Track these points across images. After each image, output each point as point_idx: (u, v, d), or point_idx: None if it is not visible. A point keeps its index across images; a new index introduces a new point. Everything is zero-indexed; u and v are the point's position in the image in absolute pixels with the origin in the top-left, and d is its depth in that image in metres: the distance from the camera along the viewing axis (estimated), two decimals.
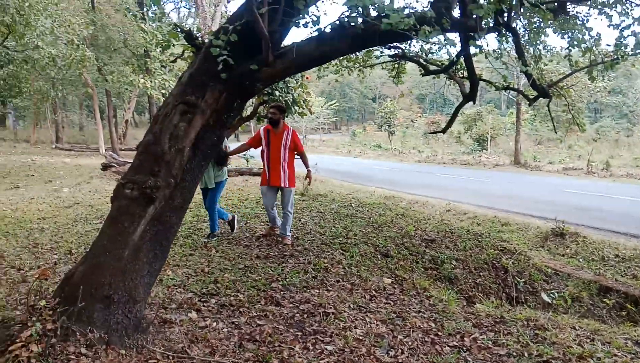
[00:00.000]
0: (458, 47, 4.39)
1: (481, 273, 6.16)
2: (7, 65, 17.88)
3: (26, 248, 5.51)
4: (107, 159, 15.14)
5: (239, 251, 5.67)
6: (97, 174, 14.31)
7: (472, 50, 4.66)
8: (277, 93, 11.18)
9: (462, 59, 5.46)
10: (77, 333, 2.78)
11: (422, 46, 6.41)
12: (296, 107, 11.77)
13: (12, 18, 12.17)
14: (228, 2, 17.97)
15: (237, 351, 3.20)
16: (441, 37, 3.40)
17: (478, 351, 3.45)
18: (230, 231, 6.57)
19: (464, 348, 3.50)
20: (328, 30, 3.28)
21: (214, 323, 3.61)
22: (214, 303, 4.05)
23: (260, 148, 6.21)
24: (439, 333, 3.77)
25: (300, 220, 7.55)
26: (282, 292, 4.43)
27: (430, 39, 3.23)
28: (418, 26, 2.92)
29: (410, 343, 3.54)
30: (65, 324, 2.77)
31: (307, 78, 12.57)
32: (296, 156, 6.23)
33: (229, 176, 13.66)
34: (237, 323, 3.68)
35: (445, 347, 3.52)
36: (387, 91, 70.15)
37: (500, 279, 6.17)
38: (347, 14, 3.22)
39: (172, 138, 3.05)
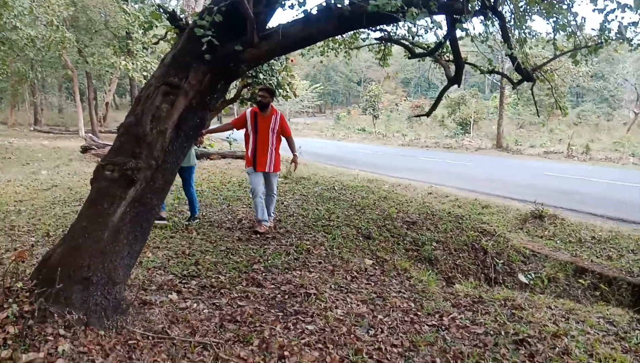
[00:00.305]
0: (444, 30, 4.41)
1: (461, 255, 6.26)
2: None
3: (2, 231, 5.43)
4: (87, 142, 14.91)
5: (220, 234, 5.67)
6: (76, 157, 14.11)
7: (458, 33, 4.68)
8: (261, 76, 11.11)
9: (447, 43, 5.48)
10: (55, 315, 2.76)
11: (409, 28, 6.39)
12: (280, 90, 11.73)
13: None
14: None
15: (218, 331, 3.22)
16: (428, 19, 3.40)
17: (456, 330, 3.52)
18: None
19: (443, 327, 3.57)
20: (314, 12, 3.26)
21: (195, 305, 3.62)
22: (195, 285, 4.05)
23: (243, 131, 6.01)
24: (419, 313, 3.84)
25: (283, 203, 7.56)
26: (263, 274, 4.45)
27: (417, 22, 3.23)
28: (405, 8, 2.91)
29: (390, 322, 3.60)
30: (42, 306, 2.75)
31: (292, 61, 12.50)
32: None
33: (211, 159, 13.63)
34: (218, 304, 3.70)
35: (424, 326, 3.59)
36: (372, 74, 69.99)
37: (479, 260, 6.27)
38: None
39: (154, 119, 3.02)
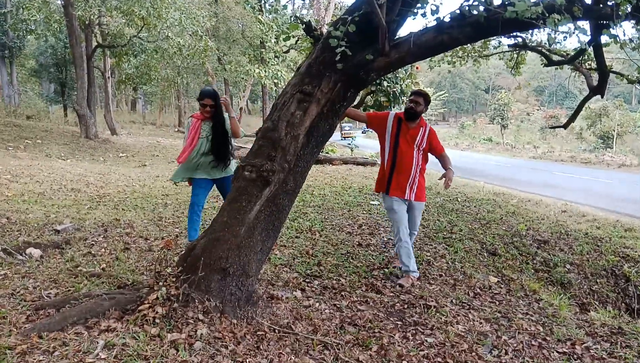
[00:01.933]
0: (587, 37, 4.07)
1: (598, 280, 5.70)
2: (140, 54, 19.72)
3: (152, 221, 6.09)
4: None
5: (341, 237, 5.81)
6: None
7: (603, 39, 4.29)
8: (385, 83, 11.15)
9: (590, 49, 5.06)
10: (196, 300, 3.06)
11: (549, 35, 5.99)
12: (404, 98, 11.66)
13: (147, 11, 13.38)
14: None
15: (338, 332, 3.31)
16: (571, 25, 3.17)
17: (591, 361, 3.23)
18: None
19: (575, 356, 3.30)
20: (447, 19, 3.22)
21: (317, 304, 3.75)
22: (317, 285, 4.21)
23: (373, 132, 5.17)
24: (547, 338, 3.59)
25: None
26: (382, 280, 4.48)
27: (558, 28, 3.04)
28: (546, 14, 2.76)
29: (515, 344, 3.41)
30: (186, 291, 3.06)
31: (417, 68, 12.37)
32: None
33: (333, 164, 13.96)
34: (338, 305, 3.80)
35: (553, 352, 3.35)
36: (502, 81, 66.69)
37: (620, 288, 5.66)
38: (468, 2, 3.13)
39: (289, 125, 3.21)
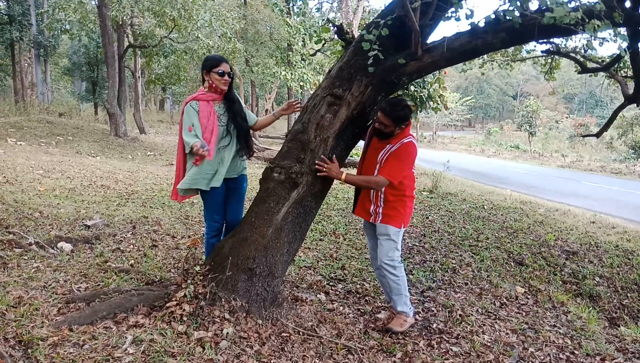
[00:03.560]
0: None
1: (629, 294, 5.54)
2: (170, 55, 19.99)
3: (179, 219, 6.16)
4: None
5: (365, 241, 5.76)
6: None
7: None
8: (412, 88, 11.04)
9: (627, 56, 4.93)
10: (223, 299, 3.08)
11: (588, 40, 5.81)
12: (431, 102, 11.53)
13: (178, 12, 13.58)
14: None
15: (362, 337, 3.29)
16: (610, 31, 3.09)
17: None
18: None
19: None
20: (482, 24, 3.17)
21: (341, 308, 3.74)
22: (341, 289, 4.20)
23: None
24: (576, 352, 3.50)
25: (428, 217, 7.44)
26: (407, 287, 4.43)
27: (598, 34, 2.96)
28: (586, 20, 2.69)
29: (542, 357, 3.34)
30: (213, 290, 3.08)
31: (444, 73, 12.23)
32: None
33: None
34: (362, 310, 3.78)
35: None
36: (530, 88, 65.67)
37: None
38: (503, 7, 3.08)
39: (319, 128, 3.22)
